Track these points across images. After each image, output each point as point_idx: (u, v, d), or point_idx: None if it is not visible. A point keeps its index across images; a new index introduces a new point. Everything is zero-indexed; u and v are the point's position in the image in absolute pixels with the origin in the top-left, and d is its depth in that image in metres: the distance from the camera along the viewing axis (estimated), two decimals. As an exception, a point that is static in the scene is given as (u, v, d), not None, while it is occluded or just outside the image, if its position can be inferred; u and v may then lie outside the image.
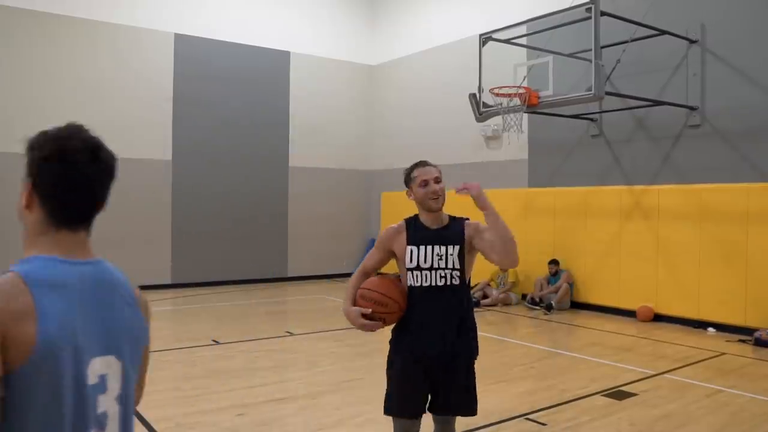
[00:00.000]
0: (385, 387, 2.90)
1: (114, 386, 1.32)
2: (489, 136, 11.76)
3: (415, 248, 2.82)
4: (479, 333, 2.96)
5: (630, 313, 9.19)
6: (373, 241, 14.41)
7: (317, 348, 7.19)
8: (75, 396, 1.23)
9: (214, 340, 7.44)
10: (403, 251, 2.86)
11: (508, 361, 6.62)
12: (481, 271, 11.28)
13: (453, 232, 2.86)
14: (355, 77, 14.77)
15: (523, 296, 10.53)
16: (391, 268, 2.94)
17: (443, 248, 2.81)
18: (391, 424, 2.91)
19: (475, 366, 2.93)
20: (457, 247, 2.81)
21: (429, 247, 2.81)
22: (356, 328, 2.81)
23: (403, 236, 2.89)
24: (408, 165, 2.98)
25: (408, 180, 2.92)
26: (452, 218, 2.94)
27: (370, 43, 15.00)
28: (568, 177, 10.36)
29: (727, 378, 5.96)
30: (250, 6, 13.22)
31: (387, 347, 2.96)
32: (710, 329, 8.25)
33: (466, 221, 2.91)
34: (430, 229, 2.87)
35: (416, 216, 2.94)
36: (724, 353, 7.02)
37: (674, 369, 6.30)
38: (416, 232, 2.87)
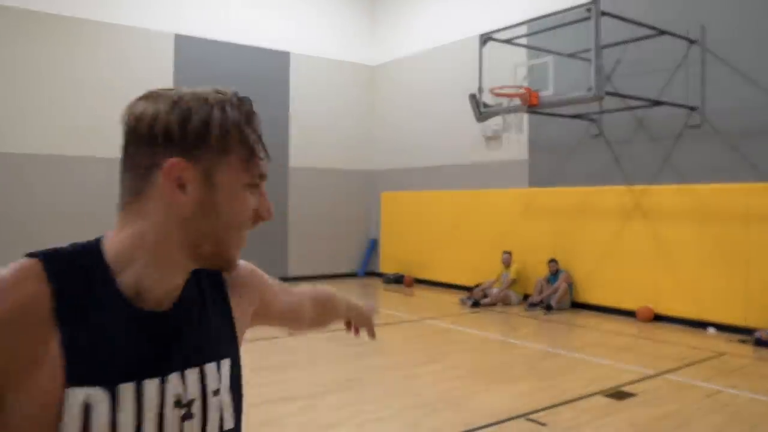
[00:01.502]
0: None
1: None
2: (489, 136, 11.76)
3: (90, 396, 0.81)
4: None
5: (630, 313, 9.18)
6: (373, 242, 14.38)
7: (317, 348, 7.18)
8: None
9: (214, 340, 7.42)
10: (43, 399, 0.79)
11: (508, 361, 6.60)
12: (482, 271, 11.33)
13: (212, 309, 1.10)
14: (355, 78, 14.77)
15: (525, 297, 10.52)
16: None
17: (195, 372, 0.97)
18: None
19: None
20: (227, 361, 1.09)
21: (151, 384, 0.88)
22: None
23: (46, 343, 0.80)
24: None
25: (211, 138, 0.91)
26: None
27: (371, 44, 15.00)
28: (568, 177, 10.36)
29: (727, 378, 5.96)
30: (250, 7, 13.22)
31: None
32: (710, 329, 8.25)
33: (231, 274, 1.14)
34: (149, 308, 0.92)
35: (94, 259, 0.89)
36: (724, 353, 7.02)
37: (674, 369, 6.30)
38: (101, 326, 0.84)
